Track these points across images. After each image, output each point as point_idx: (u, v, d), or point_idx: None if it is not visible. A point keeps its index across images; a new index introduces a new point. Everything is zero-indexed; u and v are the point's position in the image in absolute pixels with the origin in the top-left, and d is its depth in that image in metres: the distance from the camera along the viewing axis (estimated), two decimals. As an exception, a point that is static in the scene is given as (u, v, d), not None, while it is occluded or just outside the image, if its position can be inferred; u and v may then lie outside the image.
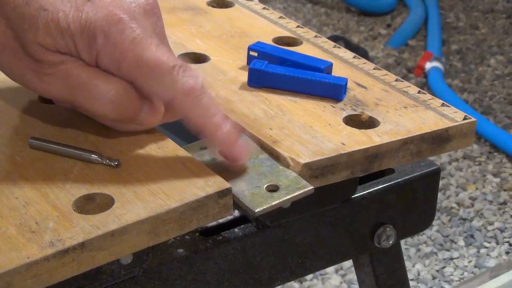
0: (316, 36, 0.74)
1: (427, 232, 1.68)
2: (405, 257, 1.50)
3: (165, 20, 0.75)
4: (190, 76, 0.53)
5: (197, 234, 0.57)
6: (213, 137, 0.54)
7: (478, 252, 1.64)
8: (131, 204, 0.49)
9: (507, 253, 1.64)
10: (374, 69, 0.68)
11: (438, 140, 0.60)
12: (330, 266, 0.67)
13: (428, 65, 2.27)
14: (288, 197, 0.53)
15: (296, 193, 0.53)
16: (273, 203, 0.52)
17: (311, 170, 0.55)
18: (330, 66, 0.66)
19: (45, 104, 0.60)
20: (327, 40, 0.73)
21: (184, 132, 0.55)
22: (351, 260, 0.70)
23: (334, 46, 0.72)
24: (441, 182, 1.83)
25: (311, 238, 0.62)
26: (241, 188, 0.53)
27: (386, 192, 0.64)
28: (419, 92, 0.65)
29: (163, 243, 0.53)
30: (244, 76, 0.65)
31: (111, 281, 0.52)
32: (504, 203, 1.79)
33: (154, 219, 0.49)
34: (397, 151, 0.58)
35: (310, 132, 0.58)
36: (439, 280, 1.57)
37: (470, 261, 1.62)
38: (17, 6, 0.52)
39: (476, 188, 1.84)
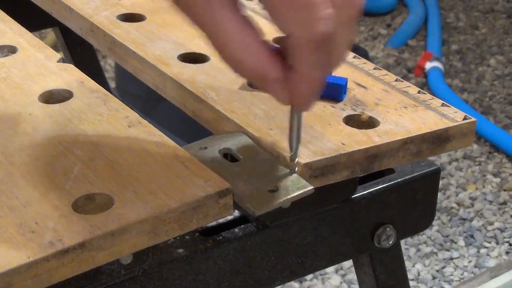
0: (316, 36, 0.73)
1: (427, 232, 1.68)
2: (405, 257, 1.50)
3: (165, 20, 0.75)
4: (327, 18, 0.45)
5: (197, 234, 0.57)
6: (296, 92, 0.48)
7: (478, 252, 1.64)
8: (131, 204, 0.49)
9: (507, 253, 1.64)
10: (374, 69, 0.68)
11: (438, 140, 0.60)
12: (330, 266, 0.67)
13: (428, 65, 2.27)
14: (288, 197, 0.53)
15: (296, 193, 0.53)
16: (273, 203, 0.52)
17: (311, 170, 0.55)
18: (330, 66, 0.66)
19: (45, 104, 0.60)
20: (327, 40, 0.73)
21: (184, 132, 0.55)
22: (351, 260, 0.70)
23: (334, 46, 0.72)
24: (441, 182, 1.83)
25: (311, 238, 0.61)
26: (241, 188, 0.53)
27: (386, 192, 0.64)
28: (419, 92, 0.65)
29: (163, 243, 0.53)
30: (244, 76, 0.65)
31: (111, 281, 0.52)
32: (504, 203, 1.79)
33: (154, 219, 0.48)
34: (397, 151, 0.58)
35: (310, 132, 0.58)
36: (439, 280, 1.57)
37: (470, 261, 1.62)
38: None
39: (476, 188, 1.84)
